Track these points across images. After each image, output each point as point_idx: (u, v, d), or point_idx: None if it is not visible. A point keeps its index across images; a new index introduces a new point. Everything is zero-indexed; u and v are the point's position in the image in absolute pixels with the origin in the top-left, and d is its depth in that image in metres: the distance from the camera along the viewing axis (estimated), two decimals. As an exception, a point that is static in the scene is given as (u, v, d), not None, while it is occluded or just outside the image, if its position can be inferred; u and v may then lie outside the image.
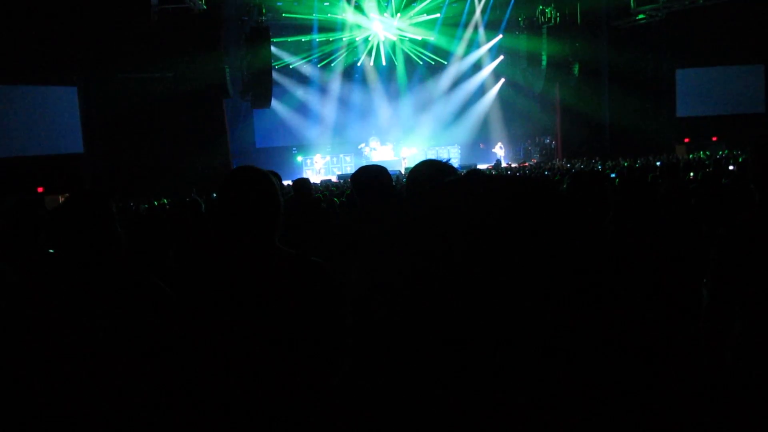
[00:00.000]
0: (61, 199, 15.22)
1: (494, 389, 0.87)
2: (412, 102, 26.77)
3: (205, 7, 19.20)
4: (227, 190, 1.99)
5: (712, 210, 4.79)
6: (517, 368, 0.88)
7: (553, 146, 26.49)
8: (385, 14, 24.08)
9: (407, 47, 25.72)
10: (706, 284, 2.21)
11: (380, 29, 24.60)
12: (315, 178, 22.16)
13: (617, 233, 2.89)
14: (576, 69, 23.23)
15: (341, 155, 26.40)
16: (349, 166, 25.46)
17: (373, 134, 26.44)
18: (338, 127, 26.24)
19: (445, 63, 26.32)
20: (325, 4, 23.16)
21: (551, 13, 23.14)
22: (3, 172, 16.42)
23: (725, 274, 2.15)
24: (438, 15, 24.22)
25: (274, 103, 23.45)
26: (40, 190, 17.26)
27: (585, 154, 22.90)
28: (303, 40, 24.37)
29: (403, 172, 18.68)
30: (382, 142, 26.48)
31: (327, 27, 24.13)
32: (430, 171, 2.38)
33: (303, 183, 5.58)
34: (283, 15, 22.87)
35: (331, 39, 24.71)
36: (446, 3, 23.80)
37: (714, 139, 23.47)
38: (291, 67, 24.91)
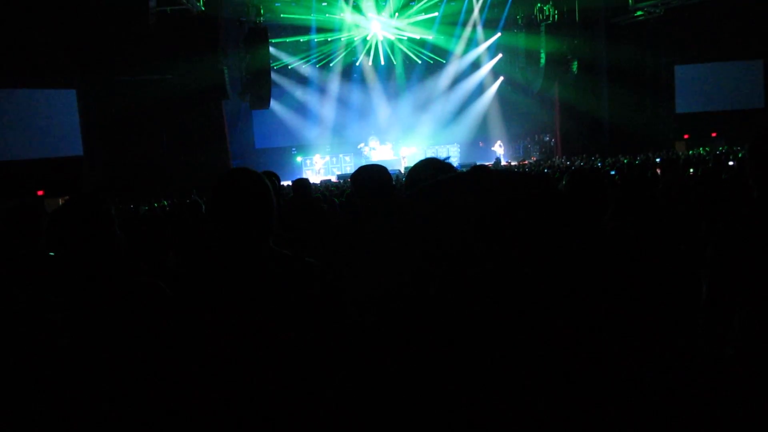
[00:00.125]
0: (61, 202, 15.22)
1: (496, 389, 0.87)
2: (411, 101, 26.76)
3: (203, 8, 19.20)
4: (221, 192, 2.00)
5: (711, 206, 4.79)
6: (519, 367, 0.87)
7: (552, 144, 26.50)
8: (384, 13, 24.07)
9: (406, 46, 25.72)
10: (704, 280, 2.21)
11: (378, 29, 24.60)
12: (315, 179, 22.17)
13: (617, 230, 2.89)
14: (575, 66, 23.22)
15: (341, 155, 26.41)
16: (349, 166, 25.47)
17: (373, 134, 26.43)
18: (337, 127, 26.25)
19: (444, 62, 26.32)
20: (323, 4, 23.16)
21: (549, 11, 23.14)
22: (3, 175, 16.42)
23: (723, 269, 2.15)
24: (436, 14, 24.22)
25: (273, 104, 23.45)
26: (40, 193, 17.27)
27: (584, 151, 22.89)
28: (301, 40, 24.38)
29: (402, 172, 18.68)
30: (382, 142, 26.48)
31: (325, 27, 24.13)
32: (430, 169, 2.38)
33: (302, 183, 5.58)
34: (282, 16, 22.87)
35: (329, 39, 24.72)
36: (444, 1, 23.79)
37: (713, 135, 23.47)
38: (290, 67, 24.92)
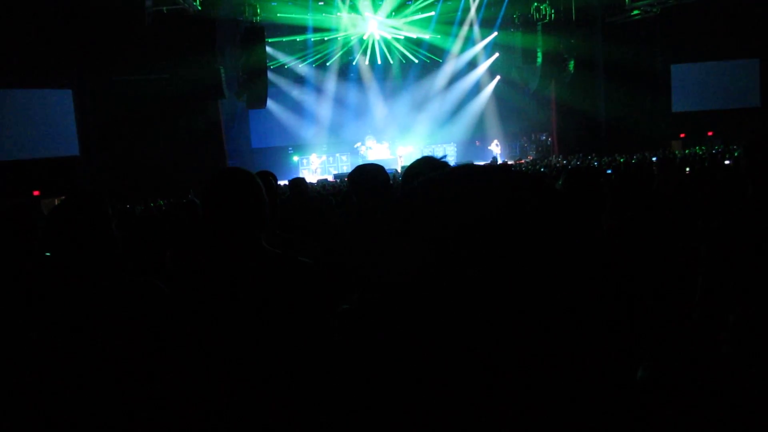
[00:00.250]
0: (57, 203, 15.17)
1: (492, 389, 0.87)
2: (408, 100, 26.76)
3: (199, 8, 19.17)
4: (212, 191, 2.00)
5: (707, 204, 4.80)
6: (517, 368, 0.87)
7: (549, 143, 26.52)
8: (380, 13, 24.06)
9: (402, 45, 25.71)
10: (699, 277, 2.22)
11: (375, 28, 24.58)
12: (311, 178, 22.17)
13: (613, 229, 2.90)
14: (571, 65, 23.26)
15: (337, 154, 26.39)
16: (346, 166, 25.45)
17: (369, 133, 26.41)
18: (334, 126, 26.22)
19: (441, 61, 26.32)
20: (320, 3, 23.14)
21: (546, 10, 23.16)
22: (-1, 175, 16.42)
23: (718, 267, 2.16)
24: (433, 13, 24.21)
25: (270, 103, 23.43)
26: (36, 193, 17.23)
27: (581, 150, 22.93)
28: (298, 40, 24.34)
29: (399, 171, 18.67)
30: (378, 141, 26.47)
31: (322, 27, 24.11)
32: (427, 168, 2.38)
33: (298, 183, 5.58)
34: (278, 15, 22.84)
35: (326, 38, 24.69)
36: (441, 0, 23.79)
37: (710, 134, 23.51)
38: (286, 67, 24.88)
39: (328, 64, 25.47)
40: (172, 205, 10.92)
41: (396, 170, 19.38)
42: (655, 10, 21.88)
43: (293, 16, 23.08)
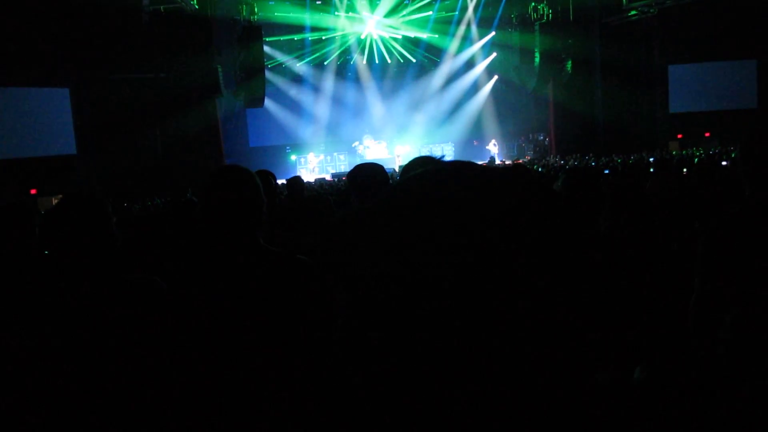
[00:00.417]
0: (54, 201, 15.15)
1: (491, 397, 0.86)
2: (406, 100, 26.76)
3: (196, 6, 19.14)
4: (210, 189, 2.00)
5: (704, 205, 4.81)
6: (514, 367, 0.87)
7: (546, 143, 26.54)
8: (378, 12, 24.05)
9: (400, 45, 25.71)
10: (695, 277, 2.22)
11: (373, 27, 24.58)
12: (309, 177, 22.16)
13: (611, 229, 2.91)
14: (569, 65, 23.28)
15: (335, 153, 26.38)
16: (343, 165, 25.46)
17: (367, 132, 26.41)
18: (332, 125, 26.22)
19: (438, 60, 26.33)
20: (317, 2, 23.12)
21: (543, 10, 23.18)
22: (-4, 174, 16.39)
23: (713, 267, 2.16)
24: (430, 12, 24.22)
25: (268, 102, 23.41)
26: (33, 192, 17.20)
27: (578, 150, 22.96)
28: (295, 39, 24.32)
29: (397, 170, 18.68)
30: (376, 140, 26.48)
31: (319, 26, 24.09)
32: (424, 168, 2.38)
33: (295, 182, 5.58)
34: (276, 14, 22.81)
35: (323, 38, 24.66)
36: (438, 0, 23.80)
37: (707, 134, 23.56)
38: (284, 66, 24.86)
39: (325, 63, 25.45)
40: (170, 204, 10.90)
41: (394, 169, 19.38)
42: (652, 10, 21.92)
43: (291, 15, 23.05)
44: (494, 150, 25.65)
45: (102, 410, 1.87)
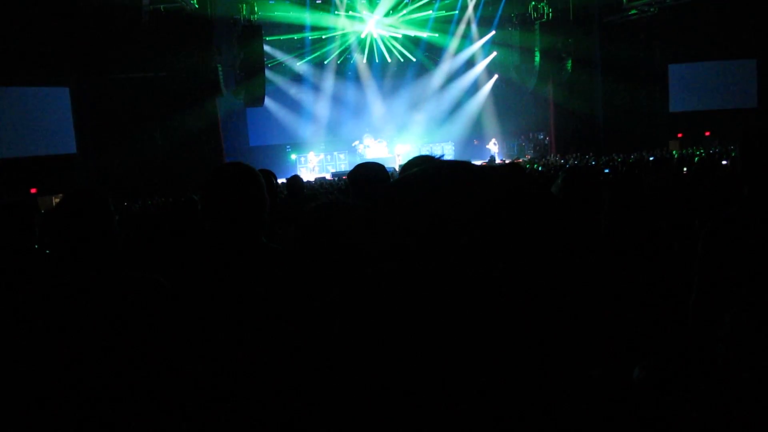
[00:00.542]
0: (54, 200, 15.16)
1: (487, 397, 0.86)
2: (406, 99, 26.73)
3: (196, 6, 19.12)
4: (212, 186, 2.00)
5: (704, 204, 4.81)
6: (512, 366, 0.87)
7: (546, 142, 26.52)
8: (378, 11, 24.03)
9: (400, 44, 25.69)
10: (695, 277, 2.22)
11: (373, 26, 24.56)
12: (309, 176, 22.15)
13: (611, 228, 2.91)
14: (569, 64, 23.26)
15: (335, 153, 26.36)
16: (344, 164, 25.45)
17: (367, 131, 26.38)
18: (332, 124, 26.20)
19: (438, 59, 26.31)
20: (317, 1, 23.10)
21: (544, 9, 23.16)
22: (-4, 173, 16.38)
23: (712, 267, 2.16)
24: (430, 12, 24.20)
25: (268, 102, 23.39)
26: (33, 191, 17.19)
27: (578, 149, 22.95)
28: (295, 38, 24.30)
29: (397, 169, 18.66)
30: (376, 140, 26.46)
31: (319, 25, 24.07)
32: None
33: (295, 181, 5.60)
34: (276, 13, 22.80)
35: (323, 37, 24.64)
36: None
37: (707, 134, 23.54)
38: (284, 65, 24.84)
39: (326, 62, 25.42)
40: (170, 203, 10.91)
41: (394, 168, 19.37)
42: (652, 9, 21.90)
43: (291, 14, 23.04)
44: (494, 149, 25.63)
45: (104, 408, 1.87)
